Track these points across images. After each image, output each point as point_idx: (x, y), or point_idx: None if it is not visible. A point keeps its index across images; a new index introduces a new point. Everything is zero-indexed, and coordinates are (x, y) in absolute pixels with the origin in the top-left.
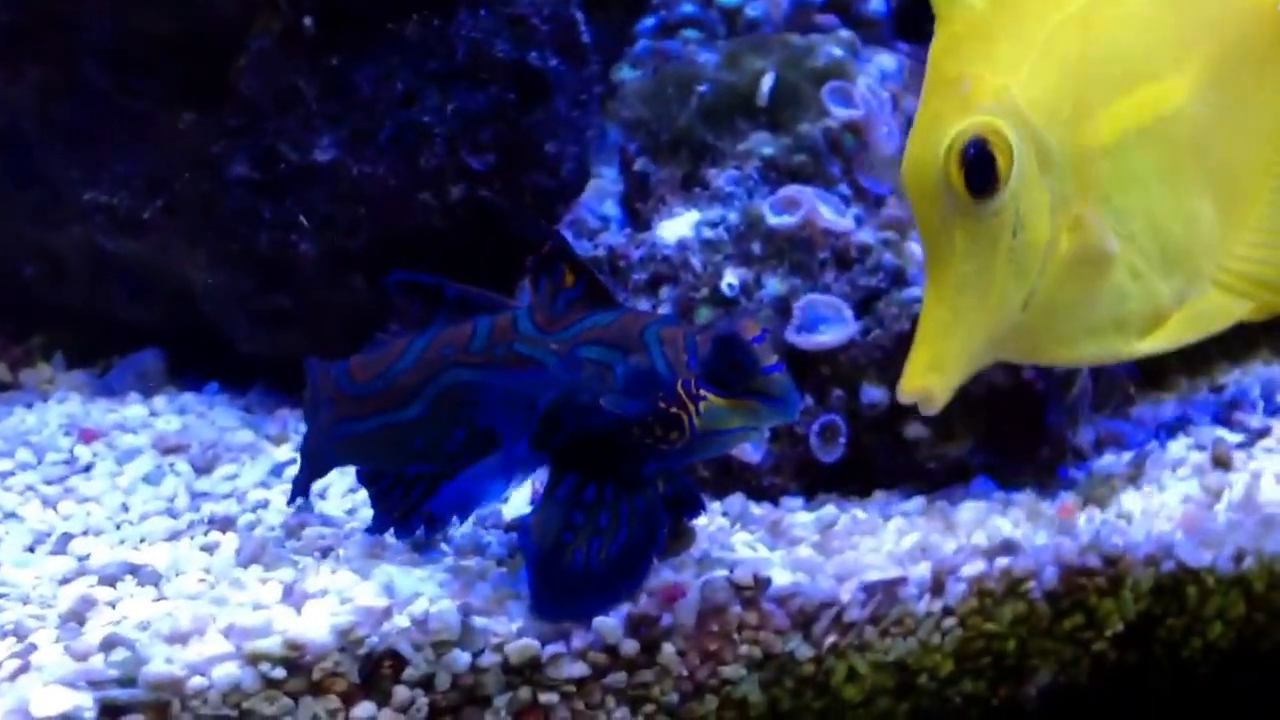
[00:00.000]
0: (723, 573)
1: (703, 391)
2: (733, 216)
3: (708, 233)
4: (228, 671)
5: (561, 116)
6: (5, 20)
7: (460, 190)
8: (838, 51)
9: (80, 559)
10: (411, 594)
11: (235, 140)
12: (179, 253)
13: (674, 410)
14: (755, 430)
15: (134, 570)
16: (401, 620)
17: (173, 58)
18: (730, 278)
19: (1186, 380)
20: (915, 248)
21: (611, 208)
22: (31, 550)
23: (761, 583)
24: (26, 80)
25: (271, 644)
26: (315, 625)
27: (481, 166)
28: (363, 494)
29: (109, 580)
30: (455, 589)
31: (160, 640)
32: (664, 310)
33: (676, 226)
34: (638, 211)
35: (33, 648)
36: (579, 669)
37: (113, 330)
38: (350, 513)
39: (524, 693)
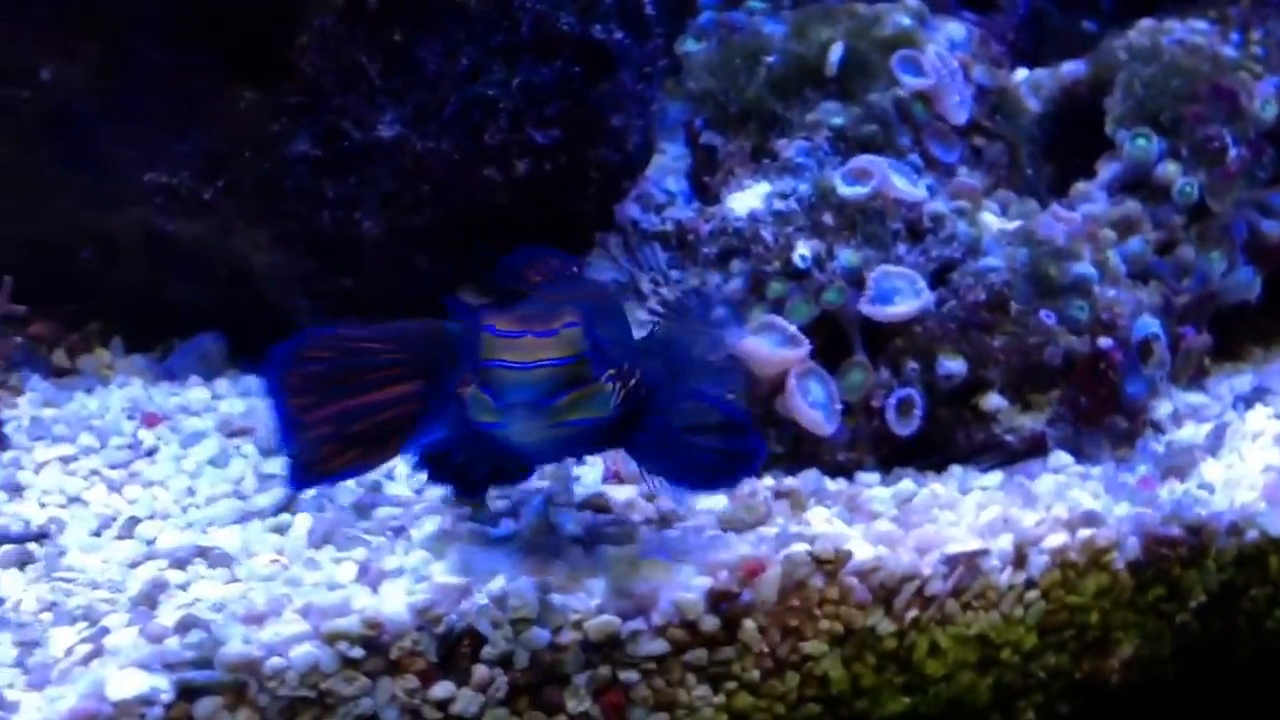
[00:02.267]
0: (803, 547)
1: (469, 378)
2: (804, 188)
3: (779, 204)
4: (305, 651)
5: (626, 90)
6: None
7: (525, 165)
8: (906, 20)
9: (148, 542)
10: (488, 572)
11: (297, 118)
12: (239, 233)
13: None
14: (504, 425)
15: (203, 553)
16: (480, 598)
17: (232, 34)
18: (803, 249)
19: (1261, 350)
20: (988, 217)
21: (676, 182)
22: (98, 535)
23: (843, 556)
24: (82, 59)
25: (349, 623)
26: (393, 604)
27: (546, 141)
28: None
29: (179, 563)
30: (531, 566)
31: (236, 621)
32: (735, 284)
33: (747, 199)
34: (705, 185)
35: (105, 631)
36: (659, 646)
37: (170, 313)
38: (419, 492)
39: (604, 670)
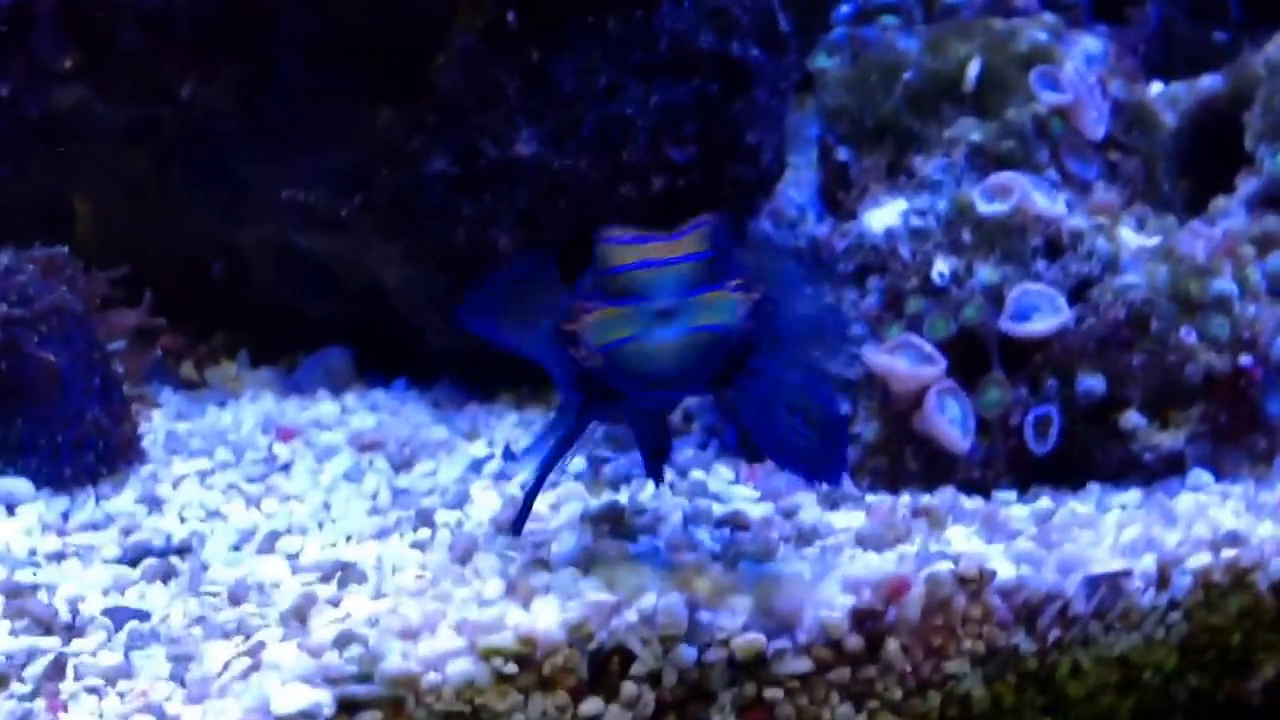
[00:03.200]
0: (947, 566)
1: (586, 305)
2: (941, 204)
3: (916, 221)
4: (461, 668)
5: (761, 107)
6: (203, 17)
7: (661, 183)
8: (1042, 36)
9: (290, 557)
10: (635, 589)
11: (435, 136)
12: (371, 248)
13: (567, 328)
14: (638, 335)
15: (346, 567)
16: (630, 615)
17: (371, 53)
18: (941, 266)
19: None
20: (1126, 233)
21: (809, 198)
22: (238, 549)
23: (986, 576)
24: (222, 79)
25: (504, 639)
26: (546, 620)
27: (684, 158)
28: (565, 488)
29: (325, 577)
30: (676, 583)
31: (392, 636)
32: (871, 300)
33: (883, 215)
34: (839, 201)
35: (261, 645)
36: (803, 665)
37: (295, 327)
38: (554, 508)
39: (749, 688)
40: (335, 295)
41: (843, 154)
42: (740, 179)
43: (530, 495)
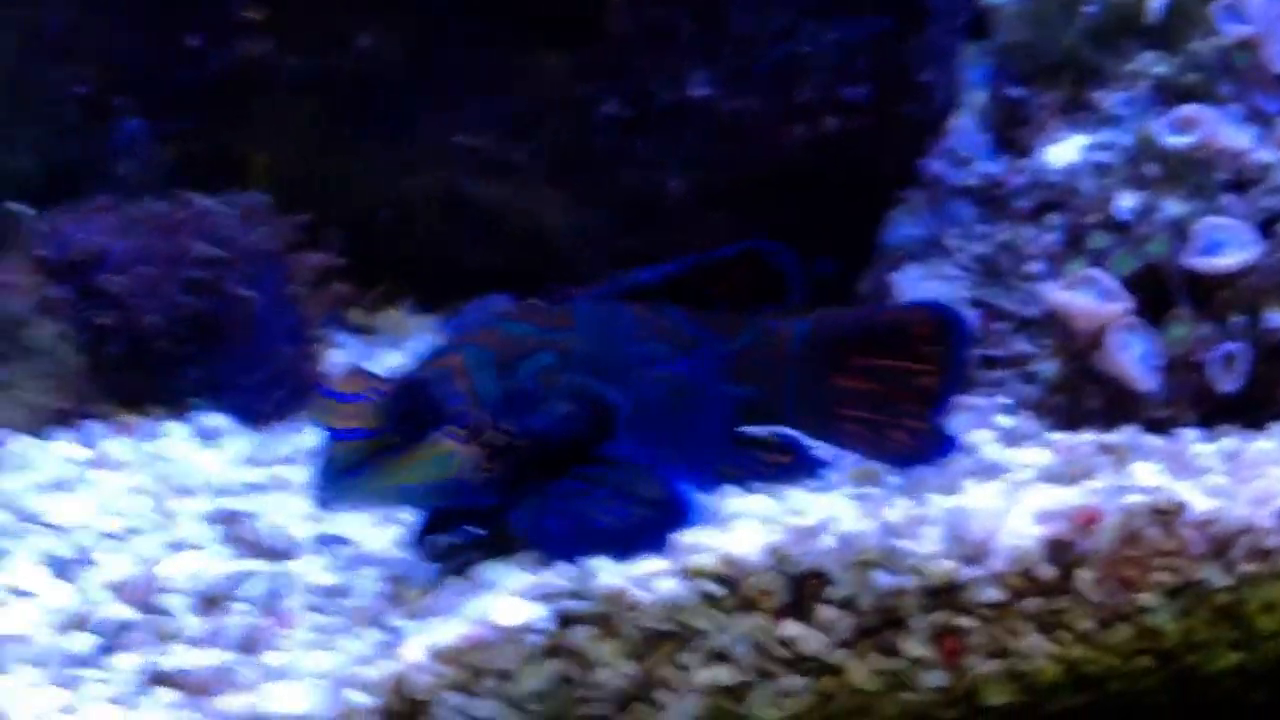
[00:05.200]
0: (1139, 498)
1: None
2: (1124, 139)
3: (1098, 156)
4: (669, 586)
5: (935, 44)
6: None
7: (834, 123)
8: None
9: None
10: (830, 516)
11: (605, 79)
12: (538, 194)
13: None
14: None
15: None
16: (827, 540)
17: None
18: (1126, 201)
19: None
20: None
21: (980, 136)
22: None
23: (1178, 508)
24: (396, 27)
25: (708, 560)
26: (748, 543)
27: (857, 98)
28: None
29: None
30: (868, 511)
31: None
32: (1051, 237)
33: (1063, 151)
34: (1013, 138)
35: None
36: (996, 593)
37: (458, 275)
38: None
39: (942, 616)
40: (499, 241)
41: (1016, 91)
42: (912, 118)
43: None
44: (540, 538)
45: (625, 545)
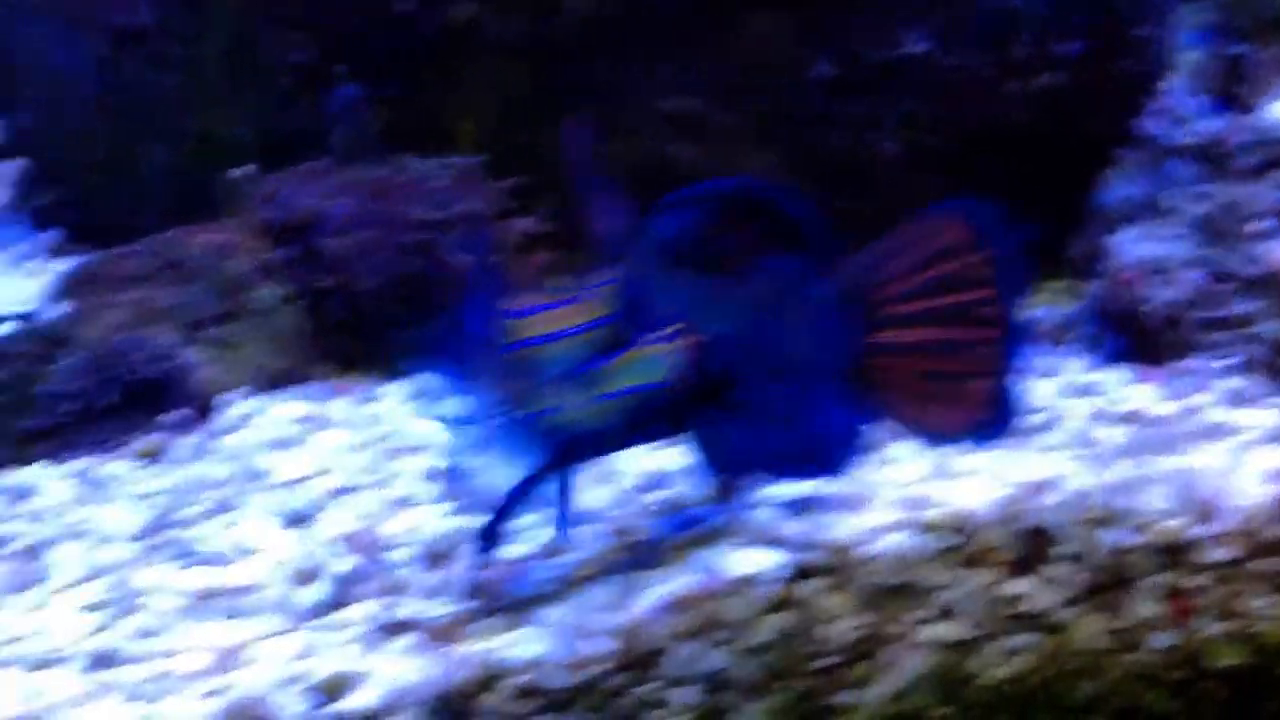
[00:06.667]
0: None
1: None
2: None
3: None
4: (898, 540)
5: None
6: None
7: (1048, 79)
8: None
9: None
10: (1057, 474)
11: (816, 39)
12: (746, 156)
13: None
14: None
15: None
16: (1054, 497)
17: None
18: None
19: None
20: None
21: (1197, 94)
22: None
23: None
24: None
25: (939, 515)
26: (977, 498)
27: (1071, 53)
28: None
29: None
30: (1090, 469)
31: (837, 508)
32: (1277, 195)
33: None
34: (1233, 95)
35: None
36: (1225, 553)
37: None
38: None
39: (1170, 575)
40: None
41: (1236, 45)
42: (1126, 74)
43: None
44: (720, 455)
45: (800, 466)
